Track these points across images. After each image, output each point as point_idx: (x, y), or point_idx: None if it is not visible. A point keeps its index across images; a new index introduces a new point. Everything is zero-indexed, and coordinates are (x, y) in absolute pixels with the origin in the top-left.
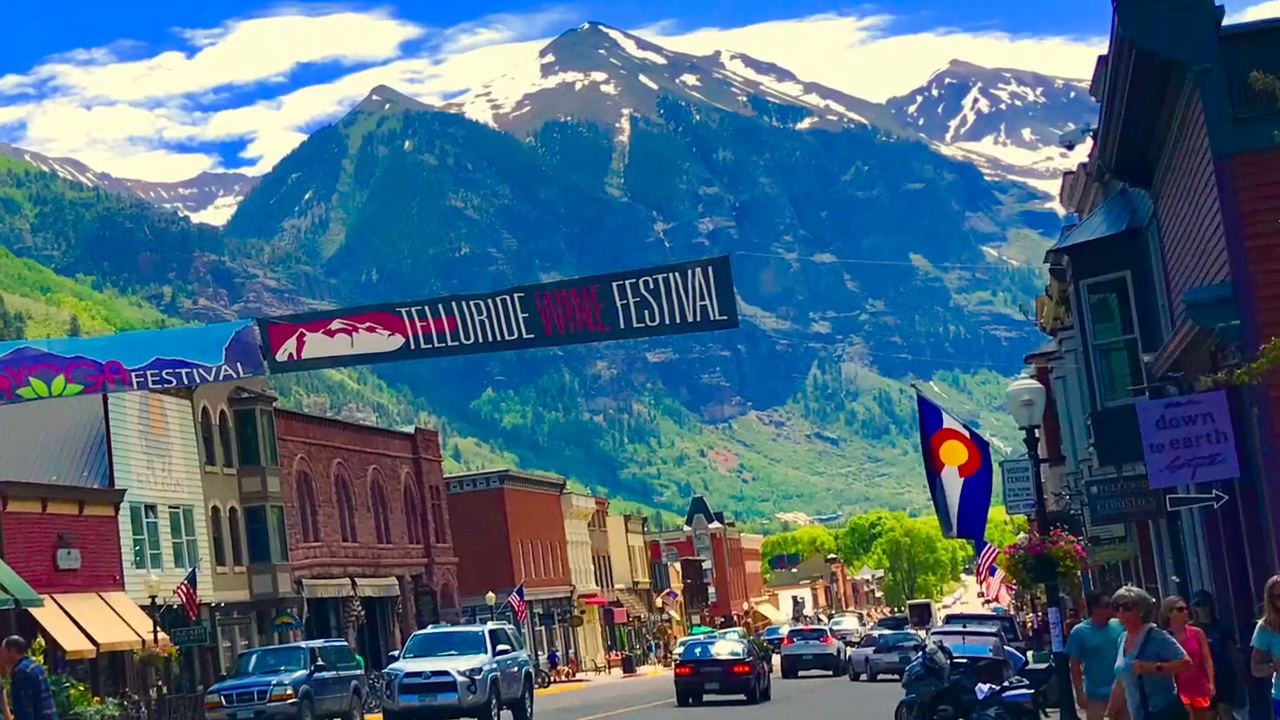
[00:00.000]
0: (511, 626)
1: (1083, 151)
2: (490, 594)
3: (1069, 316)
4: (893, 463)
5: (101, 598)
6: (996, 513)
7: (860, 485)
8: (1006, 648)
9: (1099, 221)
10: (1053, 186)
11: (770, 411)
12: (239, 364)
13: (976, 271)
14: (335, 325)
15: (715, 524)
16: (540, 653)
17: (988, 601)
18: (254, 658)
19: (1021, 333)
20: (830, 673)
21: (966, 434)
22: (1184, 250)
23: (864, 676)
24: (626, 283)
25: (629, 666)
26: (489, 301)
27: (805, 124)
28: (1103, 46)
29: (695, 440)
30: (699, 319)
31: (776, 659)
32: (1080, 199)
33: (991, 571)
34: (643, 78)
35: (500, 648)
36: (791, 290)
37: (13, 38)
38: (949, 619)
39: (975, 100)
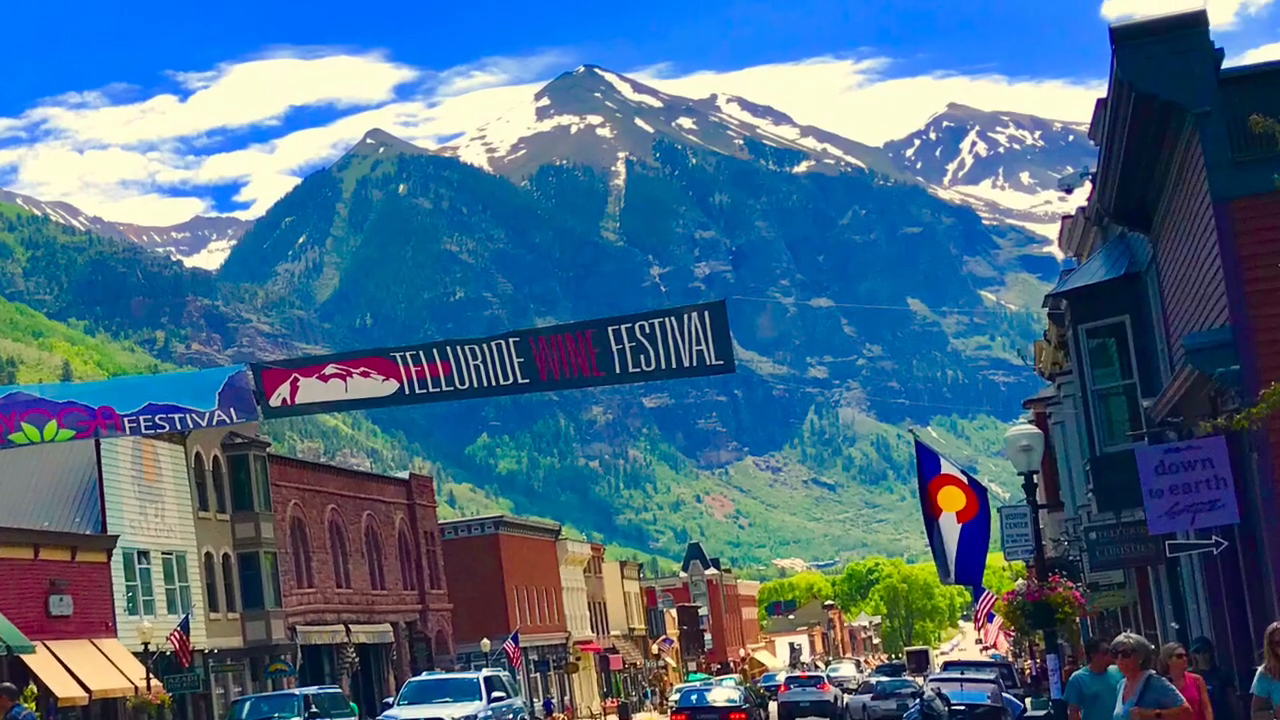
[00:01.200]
0: (506, 673)
1: (1081, 195)
2: (485, 640)
3: (1068, 361)
4: (890, 508)
5: (94, 644)
6: (995, 559)
7: (858, 531)
8: (1005, 695)
9: (1098, 266)
10: (1051, 230)
11: (767, 457)
12: (232, 409)
13: (974, 316)
14: (329, 370)
15: (711, 570)
16: (535, 700)
17: (986, 648)
18: (248, 705)
19: (1020, 378)
20: (827, 719)
21: (965, 479)
22: (1183, 294)
23: None
24: (622, 327)
25: (625, 714)
26: (484, 346)
27: (802, 167)
28: (1102, 89)
29: (691, 486)
30: (695, 364)
31: (773, 706)
32: (1079, 243)
33: (990, 618)
34: (639, 121)
35: (495, 695)
36: (788, 335)
37: (4, 81)
38: (947, 665)
39: (973, 143)
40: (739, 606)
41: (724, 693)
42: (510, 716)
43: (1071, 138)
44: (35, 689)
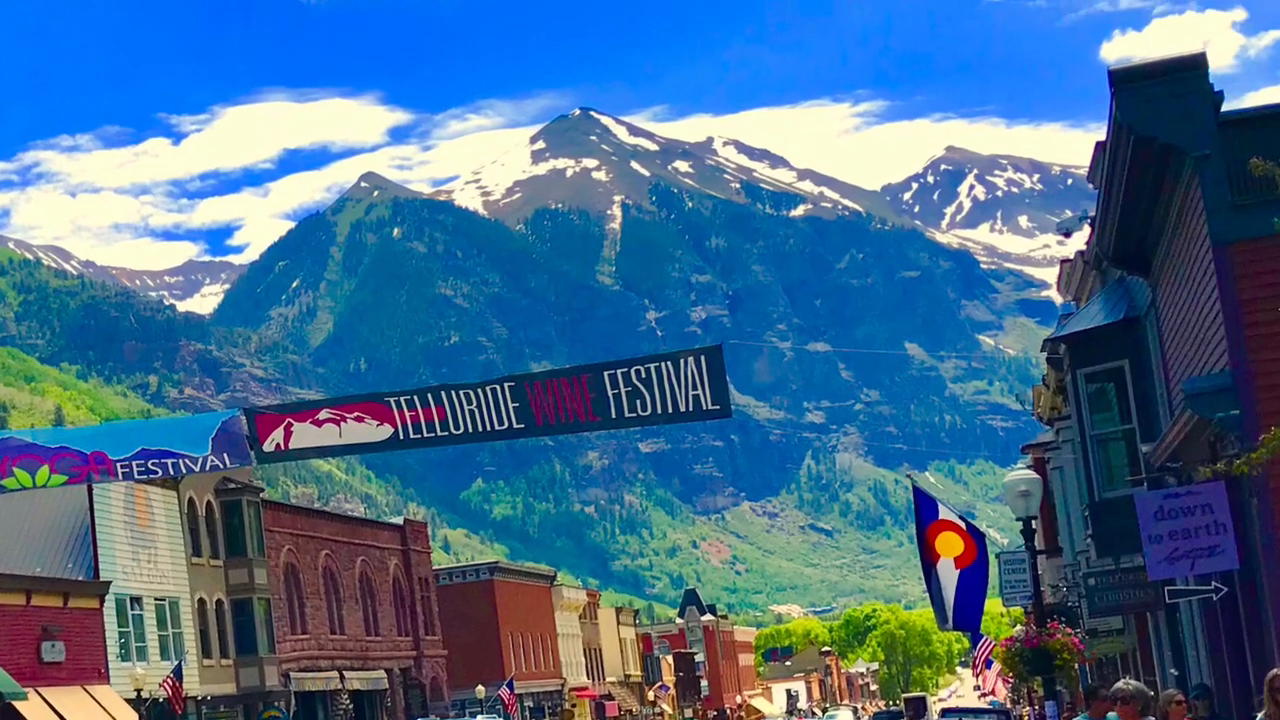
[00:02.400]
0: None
1: (1079, 239)
2: (480, 687)
3: (1066, 406)
4: (888, 554)
5: (86, 690)
6: (993, 604)
7: (855, 577)
8: None
9: (1096, 310)
10: (1050, 274)
11: (764, 502)
12: (226, 454)
13: (972, 360)
14: (323, 415)
15: (708, 616)
16: None
17: (984, 695)
18: None
19: (1018, 422)
20: None
21: (963, 525)
22: (1183, 339)
23: None
24: (618, 372)
25: None
26: (479, 391)
27: (799, 211)
28: (1100, 133)
29: (688, 531)
30: (691, 409)
31: None
32: (1078, 287)
33: (988, 664)
34: (634, 164)
35: None
36: (785, 380)
37: None
38: (945, 713)
39: (971, 187)
40: (735, 653)
41: None
42: None
43: (1070, 181)
44: None
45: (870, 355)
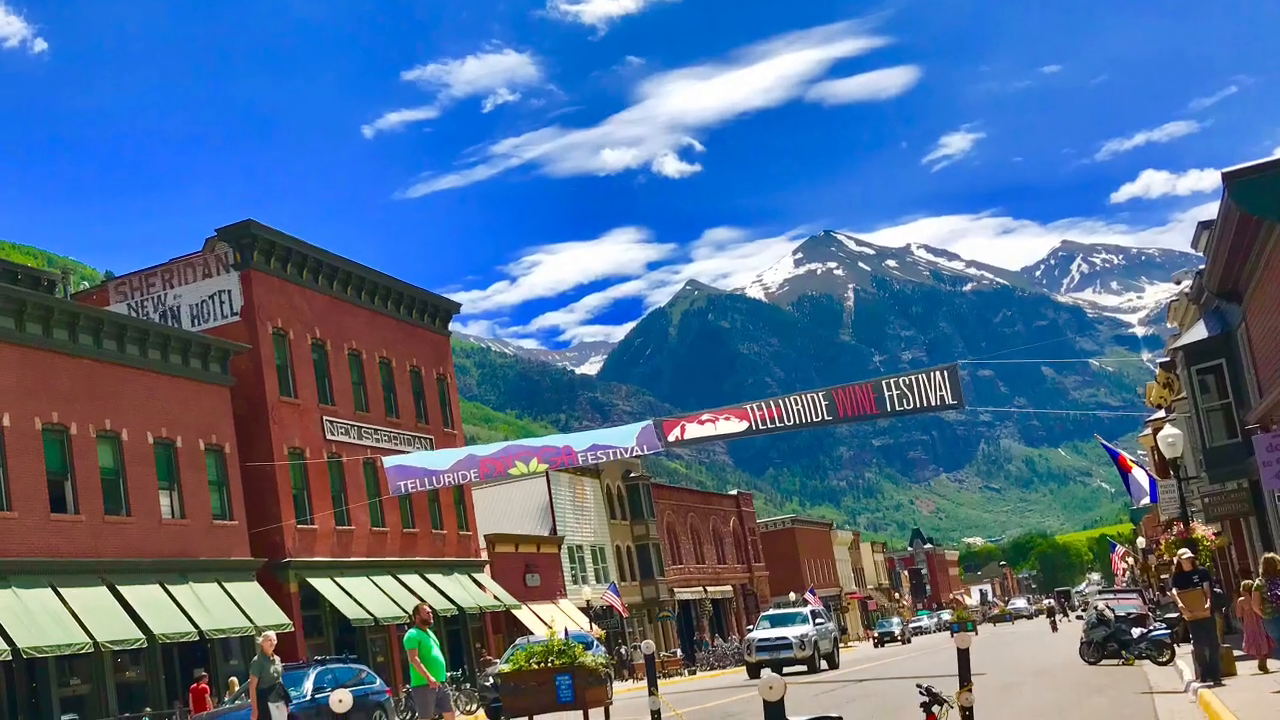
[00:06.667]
0: (823, 608)
1: (1163, 290)
2: (791, 593)
3: (1172, 395)
4: (1035, 503)
5: (554, 603)
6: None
7: (1015, 517)
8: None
9: (1201, 328)
10: (1132, 318)
11: (955, 473)
12: (644, 445)
13: (1085, 376)
14: (704, 416)
15: (927, 545)
16: None
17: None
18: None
19: (1117, 415)
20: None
21: (1129, 459)
22: (1269, 340)
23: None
24: (893, 379)
25: (880, 642)
26: (803, 396)
27: (968, 287)
28: (1154, 230)
29: (907, 494)
30: (939, 404)
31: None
32: (1182, 316)
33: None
34: (860, 264)
35: (817, 621)
36: (965, 394)
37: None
38: (1102, 592)
39: (1079, 265)
40: (946, 567)
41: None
42: (828, 634)
43: (1143, 258)
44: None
45: (1019, 374)
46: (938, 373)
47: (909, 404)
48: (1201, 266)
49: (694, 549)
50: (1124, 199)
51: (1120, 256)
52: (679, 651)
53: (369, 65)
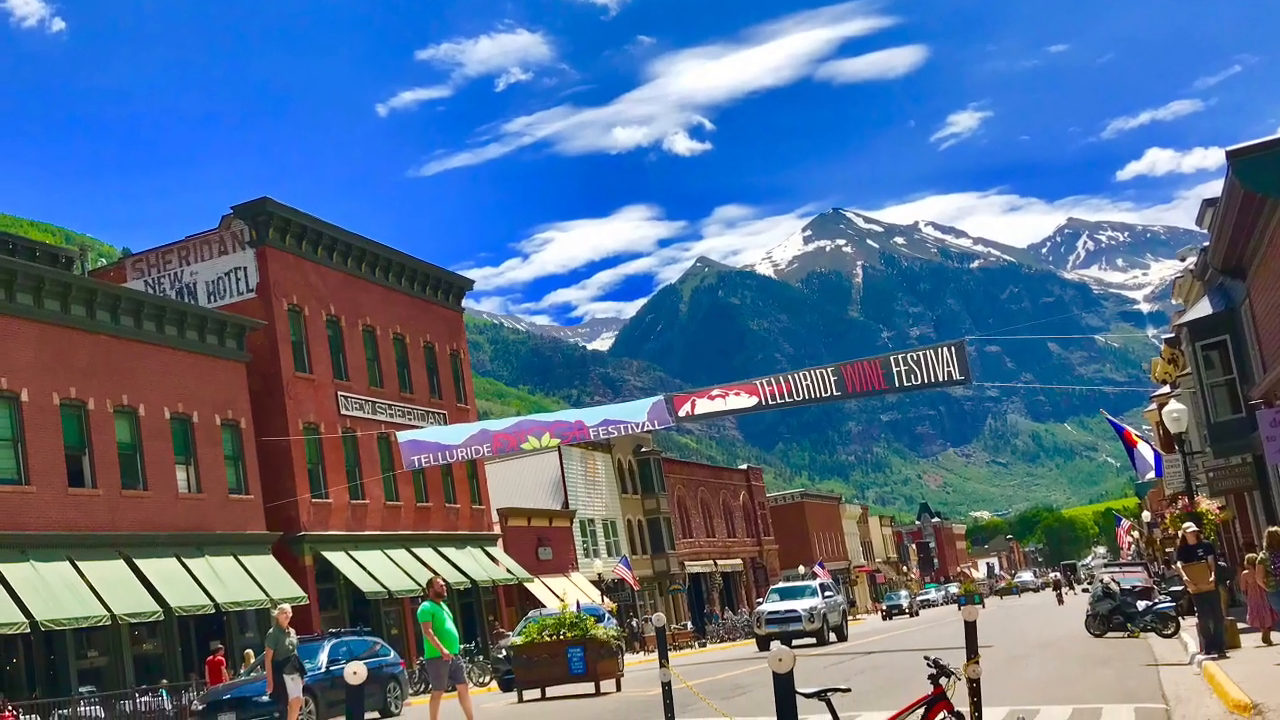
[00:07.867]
0: (831, 581)
1: (1168, 267)
2: (801, 567)
3: (1177, 371)
4: (1041, 477)
5: (565, 577)
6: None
7: (1022, 491)
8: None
9: (1205, 304)
10: (1138, 294)
11: (962, 448)
12: (655, 420)
13: (1090, 351)
14: (714, 392)
15: (935, 519)
16: None
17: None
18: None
19: (1122, 390)
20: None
21: (1135, 434)
22: (1272, 318)
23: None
24: (901, 355)
25: (888, 615)
26: (811, 372)
27: (975, 264)
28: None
29: (915, 468)
30: (946, 379)
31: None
32: (1186, 292)
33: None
34: (869, 241)
35: (826, 594)
36: (972, 369)
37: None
38: (1108, 565)
39: (1085, 242)
40: (953, 540)
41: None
42: (836, 606)
43: (1148, 235)
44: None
45: (1026, 350)
46: (945, 349)
47: (917, 379)
48: (1206, 244)
49: (704, 523)
50: (1129, 177)
51: (1126, 234)
52: (689, 624)
53: (383, 44)
